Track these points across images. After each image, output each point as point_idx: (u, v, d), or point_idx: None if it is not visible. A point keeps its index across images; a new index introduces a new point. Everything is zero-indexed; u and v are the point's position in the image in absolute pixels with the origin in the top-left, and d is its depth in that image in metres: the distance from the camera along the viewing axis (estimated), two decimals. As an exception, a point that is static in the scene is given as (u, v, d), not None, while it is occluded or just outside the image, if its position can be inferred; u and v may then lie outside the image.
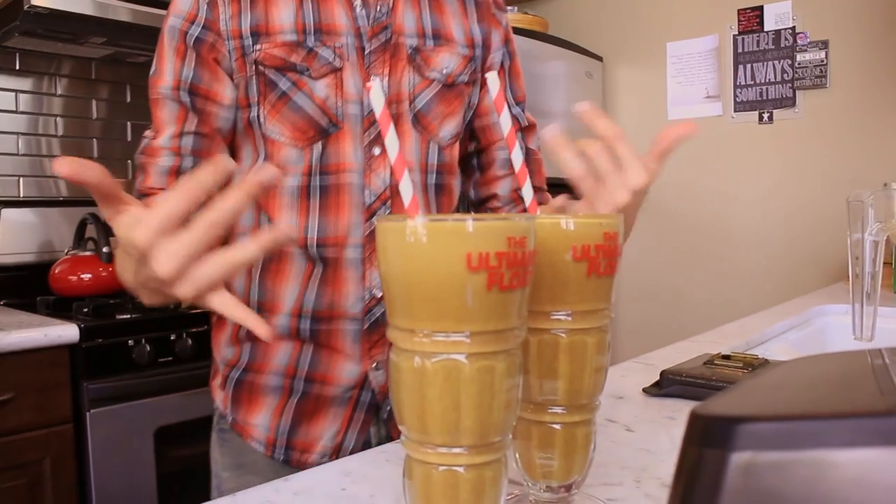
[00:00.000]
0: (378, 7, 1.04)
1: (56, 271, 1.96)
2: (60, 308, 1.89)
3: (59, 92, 2.25)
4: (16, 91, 2.16)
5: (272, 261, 1.04)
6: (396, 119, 1.04)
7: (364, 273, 1.03)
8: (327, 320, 1.03)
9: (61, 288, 1.94)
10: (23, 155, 2.18)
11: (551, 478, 0.59)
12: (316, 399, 1.05)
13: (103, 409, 1.66)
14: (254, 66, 1.00)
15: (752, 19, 2.73)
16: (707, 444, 0.35)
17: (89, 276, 1.93)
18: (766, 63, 2.71)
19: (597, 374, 0.58)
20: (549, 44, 2.82)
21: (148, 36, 1.99)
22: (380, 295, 1.03)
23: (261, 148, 1.02)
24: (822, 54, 2.58)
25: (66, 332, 1.63)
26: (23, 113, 2.18)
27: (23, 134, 2.18)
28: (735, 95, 2.79)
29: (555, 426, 0.58)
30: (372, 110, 0.98)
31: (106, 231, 2.00)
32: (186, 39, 0.99)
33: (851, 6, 2.54)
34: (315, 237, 1.02)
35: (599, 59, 3.12)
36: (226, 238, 1.02)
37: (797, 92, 2.65)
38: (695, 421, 0.36)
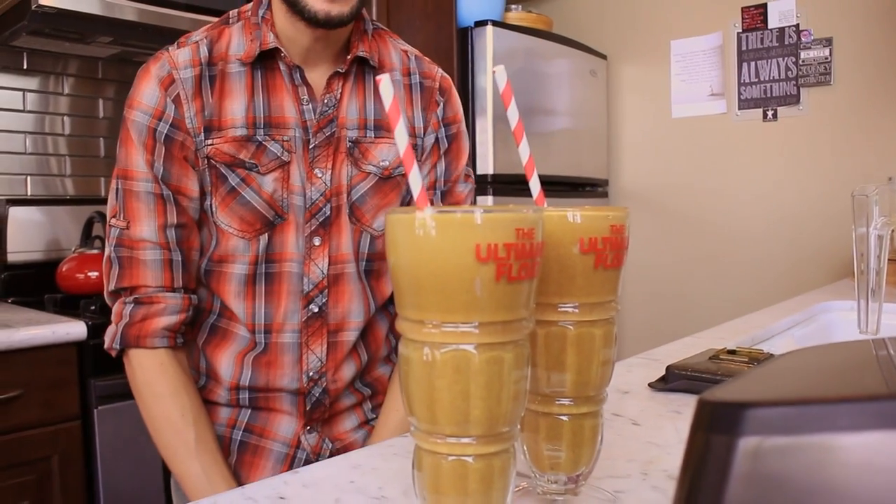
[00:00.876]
0: (325, 100, 1.07)
1: (63, 269, 1.96)
2: (68, 306, 1.90)
3: (66, 91, 2.27)
4: (23, 90, 2.17)
5: (215, 335, 1.09)
6: (335, 212, 1.07)
7: (301, 357, 1.07)
8: (264, 391, 1.08)
9: (69, 286, 1.95)
10: (30, 154, 2.19)
11: (559, 469, 0.59)
12: (254, 450, 1.09)
13: (111, 406, 1.67)
14: (206, 161, 1.03)
15: (755, 17, 2.73)
16: (714, 429, 0.35)
17: (96, 273, 1.94)
18: (770, 60, 2.71)
19: (604, 366, 0.58)
20: (554, 42, 2.82)
21: (154, 35, 2.00)
22: (317, 377, 1.08)
23: (213, 234, 1.05)
24: (826, 51, 2.58)
25: (74, 329, 1.63)
26: (30, 112, 2.19)
27: (30, 133, 2.19)
28: (739, 93, 2.80)
29: (562, 418, 0.58)
30: (314, 201, 1.05)
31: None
32: (156, 136, 1.01)
33: (855, 4, 2.54)
34: (262, 323, 1.06)
35: (604, 57, 3.12)
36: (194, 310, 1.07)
37: (801, 89, 2.65)
38: (702, 407, 0.37)
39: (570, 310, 0.57)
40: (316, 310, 1.07)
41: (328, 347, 1.08)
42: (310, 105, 1.06)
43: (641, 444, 0.77)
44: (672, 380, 0.98)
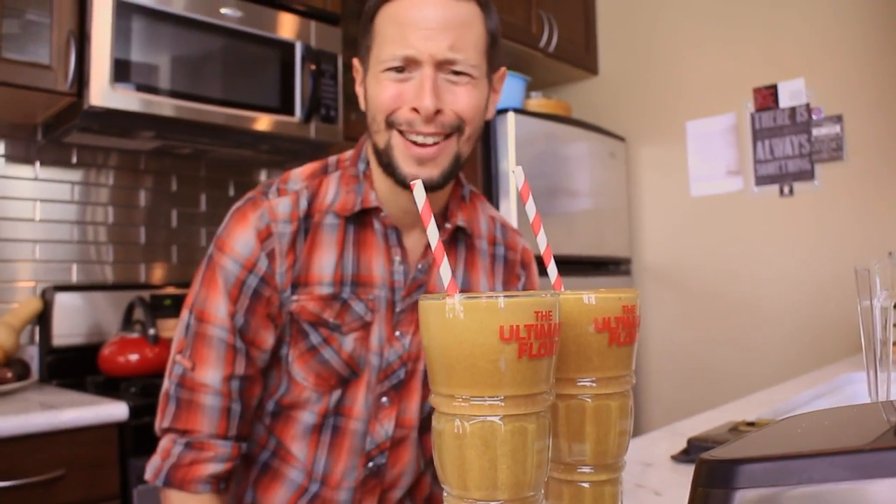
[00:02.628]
0: (418, 266, 1.07)
1: (105, 353, 2.03)
2: (109, 388, 1.96)
3: (110, 183, 2.39)
4: (71, 183, 2.30)
5: (266, 473, 1.08)
6: (409, 376, 1.06)
7: None
8: None
9: (110, 368, 2.02)
10: (76, 242, 2.29)
11: (582, 535, 0.63)
12: None
13: (150, 486, 1.71)
14: (288, 315, 1.02)
15: (767, 97, 2.82)
16: (712, 484, 0.40)
17: (136, 356, 2.01)
18: (783, 138, 2.78)
19: (621, 436, 0.63)
20: (573, 126, 2.92)
21: (192, 128, 2.12)
22: None
23: (284, 379, 1.04)
24: (837, 128, 2.65)
25: (116, 410, 1.68)
26: (77, 203, 2.31)
27: (76, 223, 2.30)
28: (755, 170, 2.86)
29: (584, 485, 0.62)
30: (390, 363, 1.04)
31: (152, 314, 2.09)
32: (243, 288, 0.99)
33: (862, 82, 2.62)
34: (321, 472, 1.05)
35: (622, 139, 3.21)
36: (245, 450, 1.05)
37: (815, 165, 2.71)
38: (701, 465, 0.42)
39: (587, 384, 0.61)
40: (374, 469, 1.05)
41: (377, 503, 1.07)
42: (401, 267, 1.05)
43: (663, 513, 0.81)
44: (693, 452, 1.01)
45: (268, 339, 1.02)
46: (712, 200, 2.99)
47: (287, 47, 2.27)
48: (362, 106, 1.08)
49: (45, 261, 2.23)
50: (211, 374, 0.99)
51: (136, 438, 1.71)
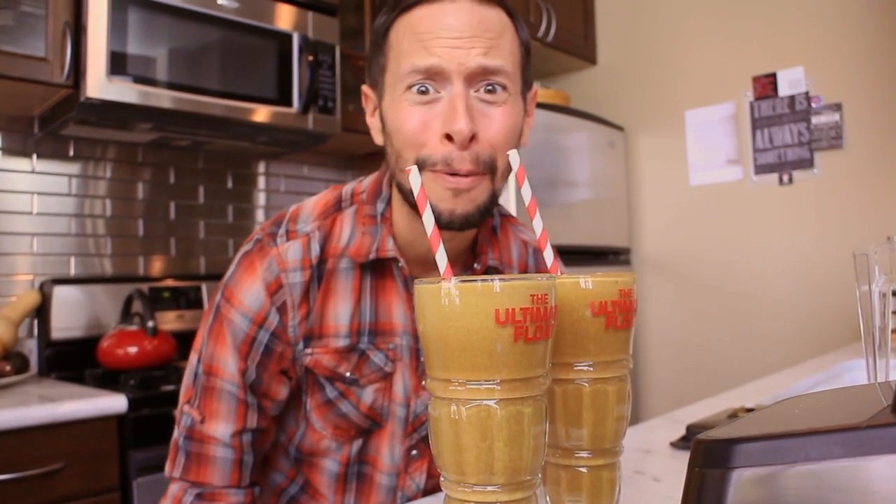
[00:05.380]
0: None
1: (104, 345, 2.03)
2: (108, 380, 1.96)
3: (108, 175, 2.38)
4: (69, 175, 2.29)
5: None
6: None
7: None
8: None
9: (109, 361, 2.01)
10: (74, 235, 2.29)
11: (580, 520, 0.63)
12: None
13: (149, 477, 1.71)
14: (303, 369, 0.96)
15: (766, 86, 2.81)
16: (708, 464, 0.40)
17: (135, 349, 2.01)
18: (782, 127, 2.78)
19: (618, 421, 0.63)
20: (572, 116, 2.92)
21: (189, 120, 2.11)
22: None
23: (302, 424, 1.00)
24: (837, 116, 2.64)
25: (115, 402, 1.68)
26: (74, 195, 2.30)
27: (74, 216, 2.30)
28: (755, 159, 2.85)
29: (582, 470, 0.62)
30: (418, 414, 0.97)
31: (151, 306, 2.09)
32: (254, 345, 0.93)
33: (862, 70, 2.61)
34: None
35: (620, 129, 3.21)
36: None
37: (815, 153, 2.70)
38: (697, 446, 0.42)
39: (584, 368, 0.61)
40: None
41: None
42: None
43: (661, 499, 0.80)
44: (692, 438, 1.01)
45: (281, 391, 0.97)
46: (711, 189, 2.99)
47: (284, 38, 2.26)
48: (377, 139, 0.96)
49: (43, 254, 2.23)
50: (221, 428, 0.93)
51: (135, 431, 1.71)
